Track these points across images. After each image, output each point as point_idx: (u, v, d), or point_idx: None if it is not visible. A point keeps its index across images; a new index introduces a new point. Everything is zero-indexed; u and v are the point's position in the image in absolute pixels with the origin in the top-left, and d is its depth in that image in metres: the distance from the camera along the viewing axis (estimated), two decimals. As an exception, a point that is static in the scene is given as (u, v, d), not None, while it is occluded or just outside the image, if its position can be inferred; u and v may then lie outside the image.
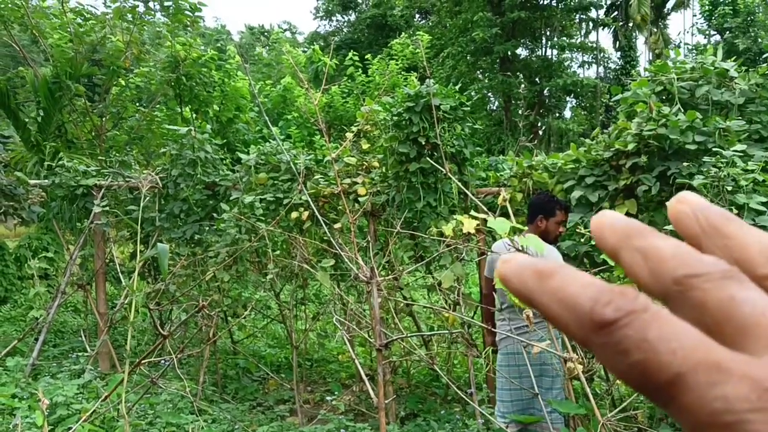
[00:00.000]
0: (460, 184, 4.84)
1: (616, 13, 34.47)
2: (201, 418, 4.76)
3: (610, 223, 0.33)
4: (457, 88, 5.39)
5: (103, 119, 9.13)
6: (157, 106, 10.02)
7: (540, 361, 4.20)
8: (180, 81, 9.24)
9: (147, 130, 9.74)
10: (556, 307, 0.29)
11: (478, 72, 29.56)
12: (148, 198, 6.52)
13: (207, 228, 6.38)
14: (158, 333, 2.62)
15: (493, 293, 4.31)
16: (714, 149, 3.72)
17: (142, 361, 3.06)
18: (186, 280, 6.22)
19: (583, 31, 34.25)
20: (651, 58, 35.61)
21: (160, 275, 6.78)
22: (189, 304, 6.13)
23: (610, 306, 0.27)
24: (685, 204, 0.34)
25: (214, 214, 6.30)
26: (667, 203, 0.35)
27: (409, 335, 4.04)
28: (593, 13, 31.66)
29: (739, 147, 3.64)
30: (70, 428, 4.11)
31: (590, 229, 0.34)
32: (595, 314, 0.28)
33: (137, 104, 10.14)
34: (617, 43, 34.81)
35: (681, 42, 38.20)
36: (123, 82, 9.38)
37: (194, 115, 9.80)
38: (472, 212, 3.54)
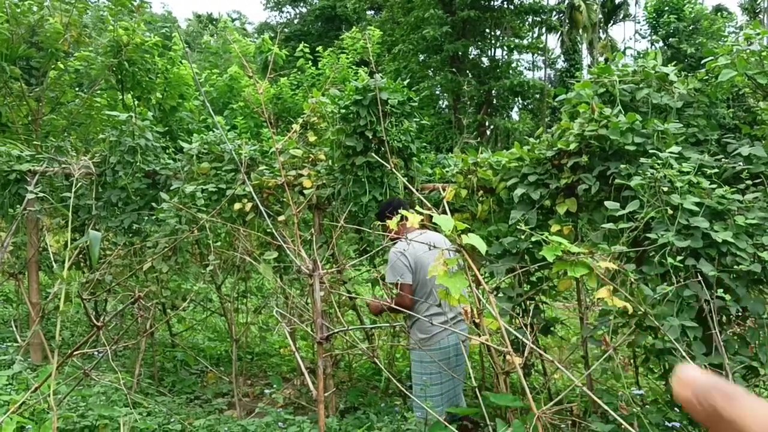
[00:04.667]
0: (405, 179, 4.84)
1: (558, 16, 35.14)
2: (135, 411, 4.64)
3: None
4: (405, 83, 5.39)
5: (40, 103, 8.81)
6: (98, 91, 9.72)
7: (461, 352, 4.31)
8: (122, 66, 8.99)
9: (86, 116, 9.44)
10: None
11: (429, 70, 29.68)
12: (83, 185, 6.34)
13: (146, 217, 6.23)
14: (92, 324, 2.54)
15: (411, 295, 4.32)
16: (652, 151, 3.81)
17: (75, 353, 2.96)
18: (122, 270, 6.06)
19: (534, 34, 34.76)
20: (591, 62, 36.48)
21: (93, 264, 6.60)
22: (125, 294, 5.98)
23: None
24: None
25: (154, 204, 6.16)
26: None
27: (350, 328, 4.02)
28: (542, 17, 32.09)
29: (676, 149, 3.73)
30: (-4, 421, 3.96)
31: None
32: None
33: (77, 89, 9.82)
34: (563, 46, 35.51)
35: (625, 47, 39.20)
36: (62, 66, 9.08)
37: (136, 102, 9.56)
38: (418, 207, 3.54)
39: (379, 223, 4.65)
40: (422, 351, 4.30)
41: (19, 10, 8.54)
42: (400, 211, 4.40)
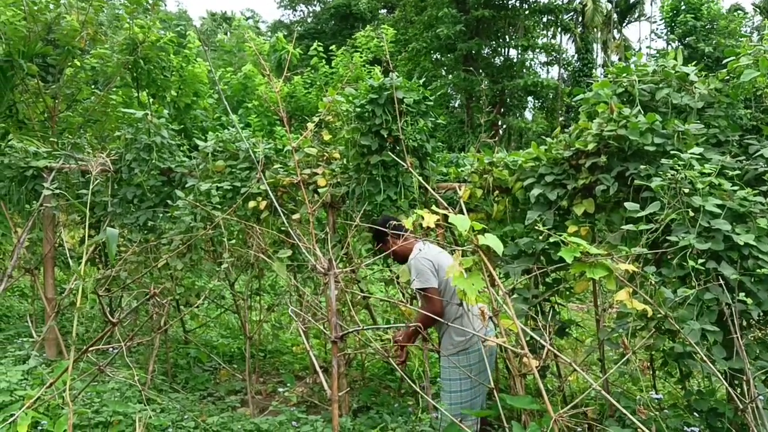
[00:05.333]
0: (420, 178, 4.82)
1: (572, 15, 34.99)
2: (149, 408, 4.65)
3: None
4: (421, 82, 5.36)
5: (57, 100, 8.84)
6: (114, 89, 9.75)
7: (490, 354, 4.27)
8: (137, 64, 9.02)
9: (102, 113, 9.48)
10: None
11: (442, 69, 29.63)
12: (99, 182, 6.36)
13: (161, 215, 6.25)
14: (107, 320, 2.53)
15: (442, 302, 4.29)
16: (672, 152, 3.77)
17: (90, 349, 2.96)
18: (137, 267, 6.08)
19: (549, 33, 34.64)
20: (603, 62, 36.28)
21: (110, 261, 6.61)
22: (140, 291, 5.99)
23: None
24: None
25: (169, 201, 6.17)
26: None
27: (365, 328, 4.00)
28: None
29: (697, 150, 3.68)
30: (12, 415, 3.98)
31: None
32: None
33: (92, 86, 9.85)
34: (575, 46, 35.35)
35: (640, 47, 38.97)
36: (78, 63, 9.11)
37: (151, 100, 9.59)
38: (434, 207, 3.52)
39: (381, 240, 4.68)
40: (458, 356, 4.27)
41: (36, 8, 8.58)
42: (398, 222, 4.47)
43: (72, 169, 6.59)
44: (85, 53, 9.27)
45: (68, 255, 6.26)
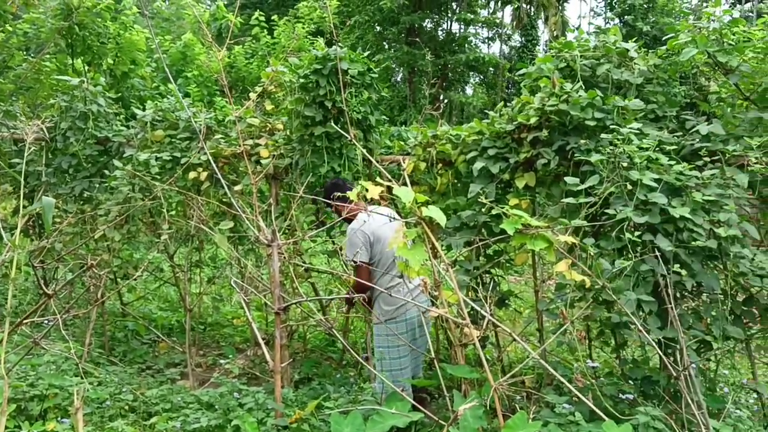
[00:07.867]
0: (364, 150, 4.80)
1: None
2: (86, 381, 4.55)
3: None
4: (366, 54, 5.32)
5: (-14, 67, 8.49)
6: (47, 55, 9.38)
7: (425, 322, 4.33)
8: (72, 30, 8.70)
9: (35, 80, 9.13)
10: None
11: (385, 42, 29.42)
12: (33, 150, 6.14)
13: (97, 185, 6.08)
14: (42, 292, 2.46)
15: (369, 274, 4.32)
16: (612, 126, 3.85)
17: (24, 321, 2.87)
18: (73, 238, 5.91)
19: (490, 9, 34.72)
20: (549, 39, 36.65)
21: (44, 232, 6.41)
22: (76, 263, 5.83)
23: None
24: None
25: (106, 171, 6.00)
26: None
27: (308, 299, 3.99)
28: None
29: (636, 125, 3.77)
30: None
31: None
32: None
33: (25, 53, 9.46)
34: (519, 22, 35.50)
35: (580, 24, 39.49)
36: (10, 28, 8.73)
37: (87, 68, 9.27)
38: (378, 179, 3.51)
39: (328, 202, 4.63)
40: (388, 325, 4.30)
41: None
42: (347, 190, 4.45)
43: (4, 137, 6.33)
44: (17, 18, 8.88)
45: (0, 226, 6.01)
